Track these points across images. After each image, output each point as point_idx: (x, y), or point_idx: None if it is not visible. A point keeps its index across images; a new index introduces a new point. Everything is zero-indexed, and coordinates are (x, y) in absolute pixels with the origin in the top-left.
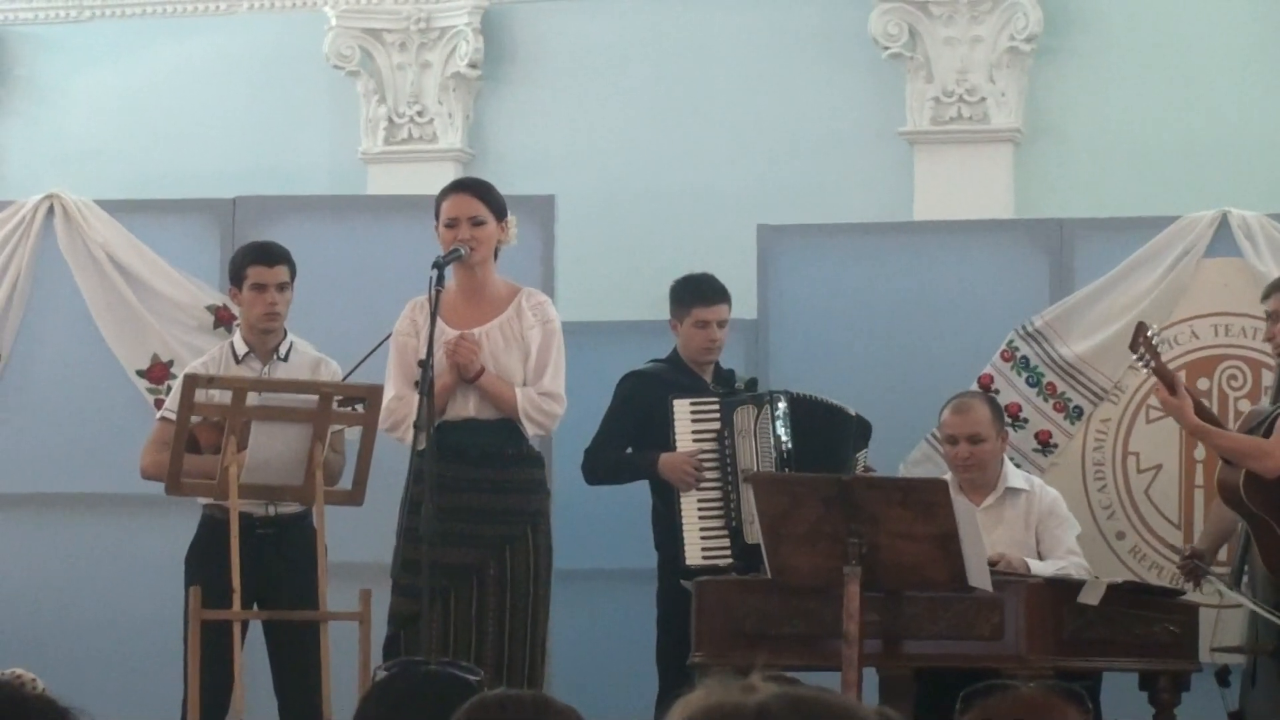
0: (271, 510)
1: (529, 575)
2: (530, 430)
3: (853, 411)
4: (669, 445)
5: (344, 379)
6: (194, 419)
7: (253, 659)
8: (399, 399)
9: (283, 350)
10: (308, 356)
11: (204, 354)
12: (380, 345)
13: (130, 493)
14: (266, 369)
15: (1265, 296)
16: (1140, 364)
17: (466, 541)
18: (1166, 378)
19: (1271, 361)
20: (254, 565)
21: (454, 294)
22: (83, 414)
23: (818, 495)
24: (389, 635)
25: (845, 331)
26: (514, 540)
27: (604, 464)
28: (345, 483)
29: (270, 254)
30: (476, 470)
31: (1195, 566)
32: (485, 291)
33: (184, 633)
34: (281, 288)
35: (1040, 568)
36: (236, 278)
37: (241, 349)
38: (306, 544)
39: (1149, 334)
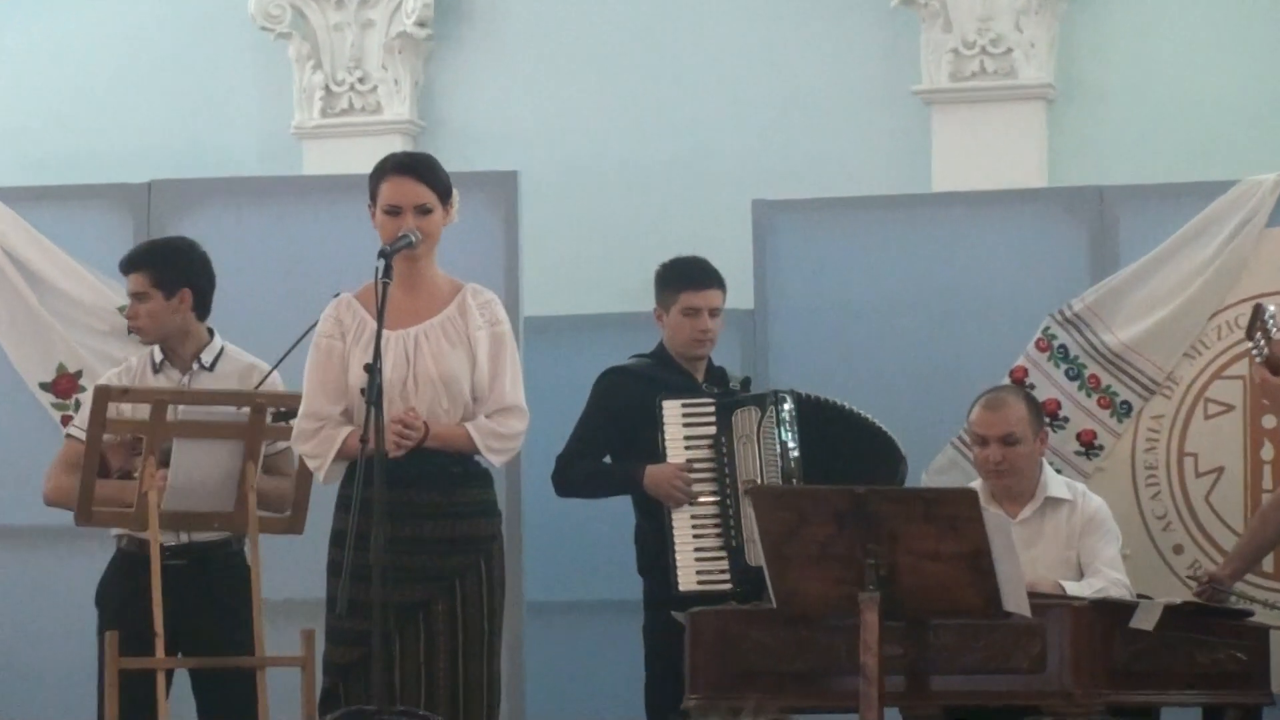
0: (184, 538)
1: (481, 610)
2: (497, 461)
3: (897, 441)
4: (656, 452)
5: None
6: (106, 437)
7: (180, 708)
8: (318, 420)
9: (207, 358)
10: (238, 364)
11: (117, 363)
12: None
13: (35, 524)
14: (186, 379)
15: None
16: (1255, 353)
17: (412, 576)
18: (1276, 365)
19: None
20: (168, 603)
21: (390, 288)
22: None
23: (828, 510)
24: (325, 687)
25: (855, 322)
26: (465, 572)
27: (578, 475)
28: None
29: (127, 259)
30: (420, 494)
31: (1214, 592)
32: (424, 286)
33: (99, 683)
34: (138, 297)
35: (1075, 589)
36: None
37: (159, 356)
38: (234, 578)
39: (1266, 317)
